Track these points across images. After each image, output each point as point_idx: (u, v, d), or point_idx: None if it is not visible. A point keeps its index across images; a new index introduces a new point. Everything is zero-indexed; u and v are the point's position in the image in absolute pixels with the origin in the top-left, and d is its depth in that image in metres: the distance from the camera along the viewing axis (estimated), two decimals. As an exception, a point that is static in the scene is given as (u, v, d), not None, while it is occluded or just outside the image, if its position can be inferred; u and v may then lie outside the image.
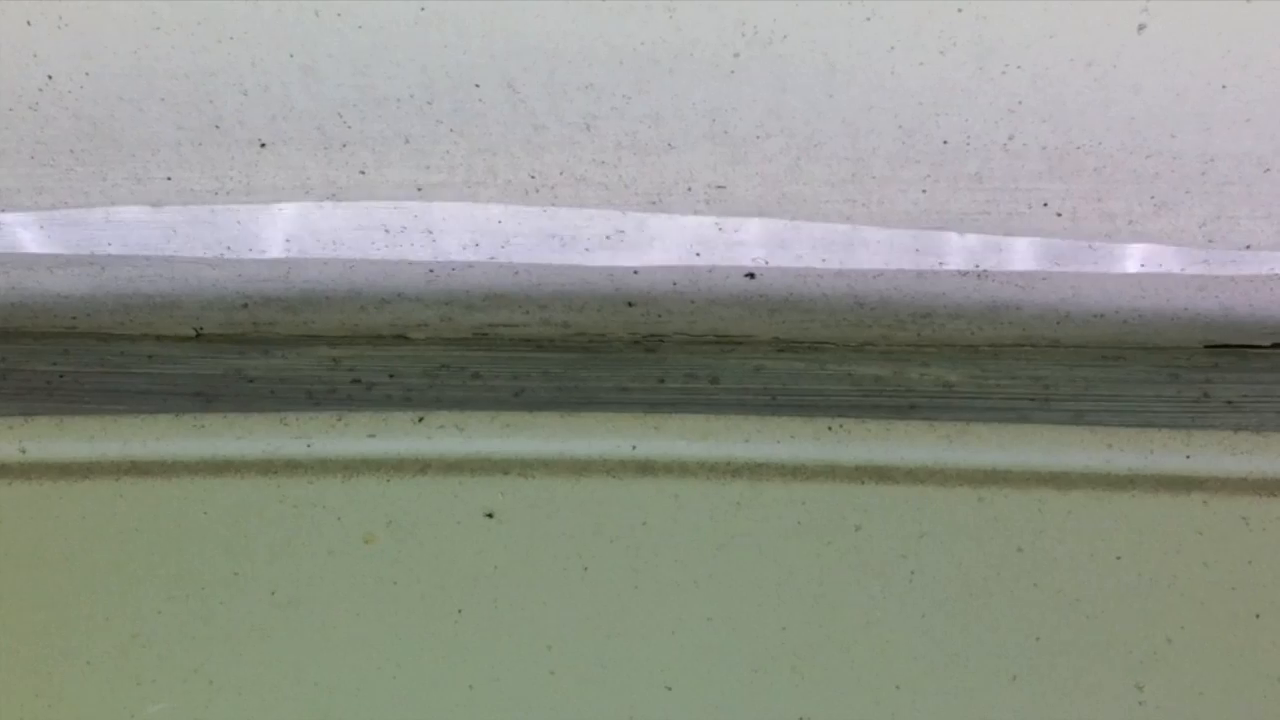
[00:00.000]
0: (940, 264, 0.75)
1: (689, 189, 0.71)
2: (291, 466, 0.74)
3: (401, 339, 0.83)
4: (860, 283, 0.78)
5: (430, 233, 0.75)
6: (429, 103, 0.67)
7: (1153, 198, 0.71)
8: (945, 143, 0.68)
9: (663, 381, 0.81)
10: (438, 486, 0.73)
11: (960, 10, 0.60)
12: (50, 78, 0.65)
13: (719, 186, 0.71)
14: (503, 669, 0.69)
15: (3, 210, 0.74)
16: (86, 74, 0.65)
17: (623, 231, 0.75)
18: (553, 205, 0.73)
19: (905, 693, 0.68)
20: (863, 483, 0.73)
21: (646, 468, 0.73)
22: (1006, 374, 0.81)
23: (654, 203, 0.73)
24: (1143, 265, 0.75)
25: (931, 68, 0.63)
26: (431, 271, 0.78)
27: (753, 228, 0.74)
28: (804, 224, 0.73)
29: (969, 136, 0.67)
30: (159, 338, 0.83)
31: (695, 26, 0.61)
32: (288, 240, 0.76)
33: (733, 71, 0.64)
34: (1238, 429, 0.75)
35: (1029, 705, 0.68)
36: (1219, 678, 0.69)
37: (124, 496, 0.73)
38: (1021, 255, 0.75)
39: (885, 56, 0.62)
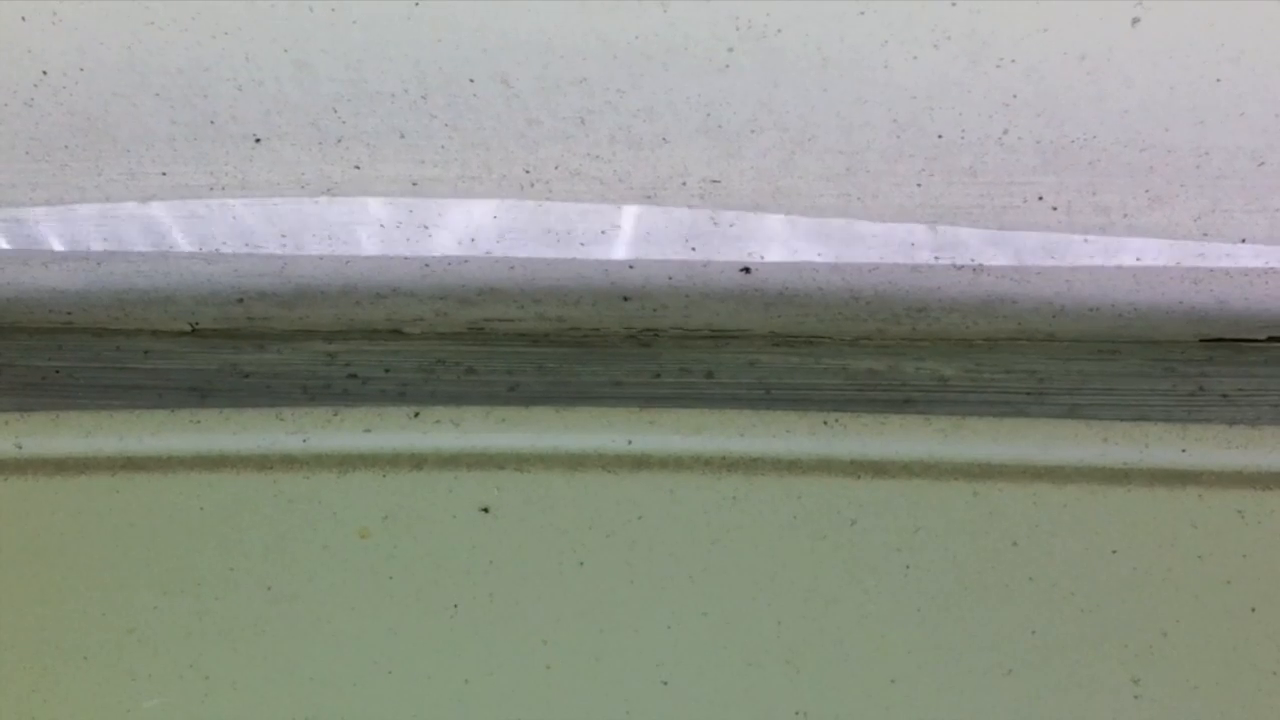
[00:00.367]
0: (935, 258, 0.76)
1: (683, 183, 0.71)
2: (287, 461, 0.74)
3: (397, 334, 0.83)
4: (855, 277, 0.78)
5: (425, 228, 0.75)
6: (423, 98, 0.67)
7: (1147, 191, 0.71)
8: (939, 137, 0.68)
9: (658, 376, 0.81)
10: (433, 481, 0.73)
11: (954, 4, 0.60)
12: (45, 73, 0.65)
13: (713, 181, 0.71)
14: (498, 663, 0.69)
15: (-2, 206, 0.74)
16: (81, 69, 0.65)
17: (617, 226, 0.75)
18: (547, 200, 0.73)
19: (901, 687, 0.69)
20: (858, 477, 0.73)
21: (642, 462, 0.73)
22: (1001, 368, 0.81)
23: (648, 197, 0.73)
24: (1138, 259, 0.75)
25: (925, 62, 0.63)
26: (427, 266, 0.78)
27: (747, 222, 0.74)
28: (799, 218, 0.73)
29: (963, 130, 0.67)
30: (154, 333, 0.83)
31: (689, 21, 0.61)
32: (283, 235, 0.76)
33: (726, 66, 0.64)
34: (1233, 423, 0.74)
35: (1024, 699, 0.68)
36: (1214, 671, 0.69)
37: (120, 492, 0.73)
38: (1016, 249, 0.75)
39: (879, 51, 0.62)
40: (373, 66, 0.65)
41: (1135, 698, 0.68)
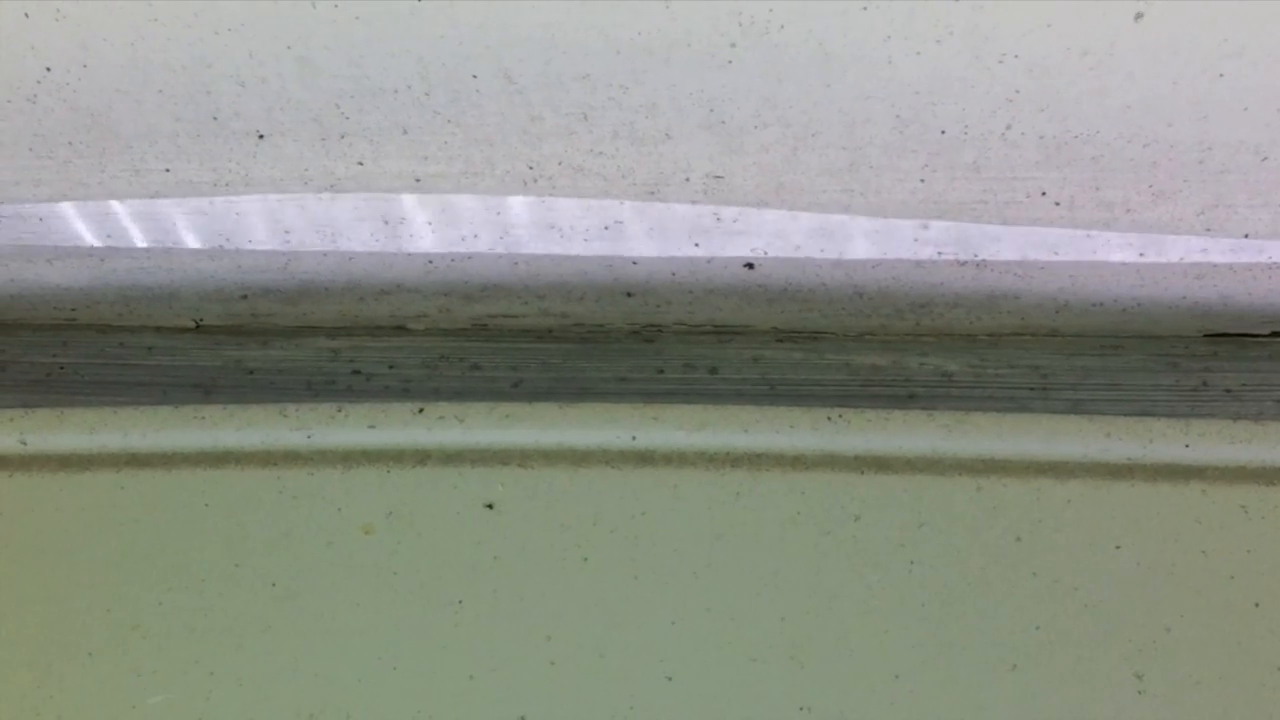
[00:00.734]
0: (938, 253, 0.76)
1: (686, 179, 0.71)
2: (291, 458, 0.74)
3: (401, 330, 0.83)
4: (859, 272, 0.78)
5: (429, 224, 0.75)
6: (426, 94, 0.67)
7: (1150, 186, 0.71)
8: (942, 132, 0.68)
9: (661, 372, 0.81)
10: (437, 477, 0.73)
11: (956, -1, 0.60)
12: (48, 70, 0.65)
13: (716, 176, 0.71)
14: (503, 659, 0.69)
15: (1, 202, 0.74)
16: (84, 66, 0.65)
17: (620, 222, 0.75)
18: (551, 196, 0.73)
19: (904, 682, 0.69)
20: (862, 473, 0.73)
21: (645, 458, 0.73)
22: (1005, 363, 0.81)
23: (652, 193, 0.73)
24: (1141, 254, 0.75)
25: (928, 57, 0.63)
26: (430, 262, 0.78)
27: (750, 218, 0.74)
28: (802, 214, 0.73)
29: (966, 126, 0.67)
30: (158, 329, 0.83)
31: (691, 17, 0.61)
32: (286, 232, 0.76)
33: (729, 61, 0.64)
34: (1236, 418, 0.74)
35: (1028, 695, 0.68)
36: (1218, 667, 0.69)
37: (124, 488, 0.73)
38: (1019, 244, 0.75)
39: (882, 46, 0.62)
40: (375, 63, 0.65)
41: (1139, 693, 0.68)
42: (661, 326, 0.82)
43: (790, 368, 0.81)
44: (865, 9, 0.60)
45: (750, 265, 0.77)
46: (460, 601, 0.70)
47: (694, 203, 0.73)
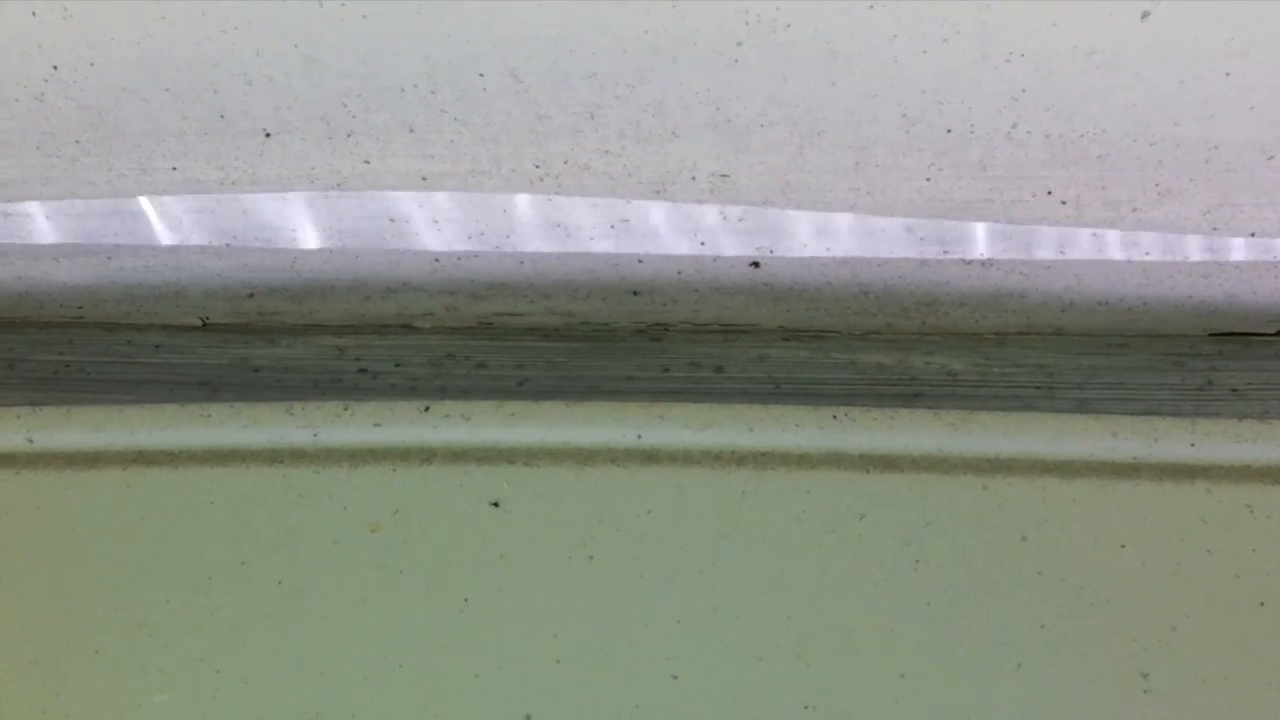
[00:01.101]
0: (944, 252, 0.76)
1: (693, 178, 0.71)
2: (297, 456, 0.74)
3: (407, 328, 0.83)
4: (864, 271, 0.78)
5: (435, 222, 0.75)
6: (432, 92, 0.67)
7: (1156, 185, 0.71)
8: (948, 131, 0.68)
9: (667, 370, 0.81)
10: (443, 475, 0.73)
11: (963, -2, 0.60)
12: (55, 68, 0.66)
13: (723, 175, 0.71)
14: (508, 658, 0.69)
15: (9, 200, 0.74)
16: (91, 64, 0.65)
17: (627, 220, 0.75)
18: (557, 194, 0.73)
19: (910, 681, 0.69)
20: (867, 471, 0.73)
21: (651, 456, 0.73)
22: (1011, 362, 0.81)
23: (658, 191, 0.73)
24: (1146, 253, 0.75)
25: (934, 56, 0.63)
26: (436, 261, 0.78)
27: (756, 216, 0.74)
28: (808, 212, 0.73)
29: (972, 125, 0.67)
30: (165, 327, 0.83)
31: (698, 15, 0.61)
32: (293, 230, 0.76)
33: (736, 60, 0.64)
34: (1242, 416, 0.74)
35: (1034, 693, 0.68)
36: (1223, 665, 0.69)
37: (130, 486, 0.73)
38: (1025, 243, 0.75)
39: (888, 45, 0.63)
40: (382, 61, 0.65)
41: (1144, 692, 0.68)
42: (667, 325, 0.82)
43: (796, 366, 0.81)
44: (871, 8, 0.60)
45: (756, 264, 0.77)
46: (466, 600, 0.70)
47: (700, 201, 0.73)
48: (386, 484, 0.73)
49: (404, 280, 0.80)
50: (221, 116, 0.69)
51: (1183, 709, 0.68)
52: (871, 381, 0.81)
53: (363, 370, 0.82)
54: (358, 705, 0.68)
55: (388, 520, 0.72)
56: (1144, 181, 0.70)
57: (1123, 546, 0.71)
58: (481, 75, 0.65)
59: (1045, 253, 0.75)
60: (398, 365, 0.82)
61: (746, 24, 0.62)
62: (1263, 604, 0.70)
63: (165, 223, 0.76)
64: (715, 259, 0.77)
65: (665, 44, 0.63)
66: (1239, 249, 0.74)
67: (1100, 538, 0.71)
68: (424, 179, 0.72)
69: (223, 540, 0.72)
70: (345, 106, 0.68)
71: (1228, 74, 0.63)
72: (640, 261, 0.77)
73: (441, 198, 0.74)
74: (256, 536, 0.72)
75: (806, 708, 0.68)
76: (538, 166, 0.71)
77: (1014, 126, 0.67)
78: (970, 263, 0.76)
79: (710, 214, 0.74)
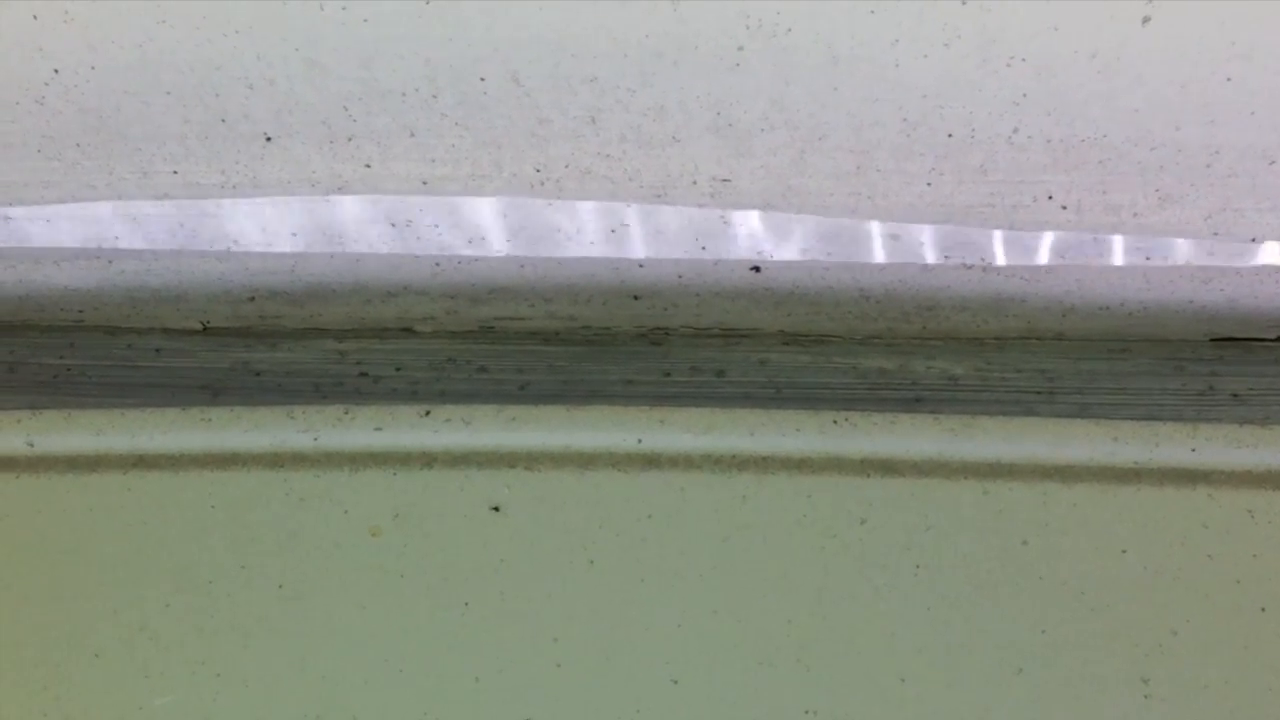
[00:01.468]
0: (945, 257, 0.76)
1: (694, 182, 0.71)
2: (298, 459, 0.74)
3: (408, 332, 0.83)
4: (865, 276, 0.78)
5: (436, 226, 0.75)
6: (434, 96, 0.67)
7: (1157, 190, 0.71)
8: (950, 136, 0.68)
9: (668, 374, 0.81)
10: (444, 480, 0.73)
11: (964, 2, 0.60)
12: (56, 72, 0.66)
13: (724, 179, 0.71)
14: (509, 662, 0.69)
15: (10, 204, 0.75)
16: (92, 68, 0.65)
17: (628, 224, 0.75)
18: (558, 198, 0.73)
19: (911, 686, 0.69)
20: (868, 476, 0.73)
21: (652, 461, 0.73)
22: (1011, 367, 0.81)
23: (659, 196, 0.73)
24: (1147, 258, 0.75)
25: (935, 60, 0.63)
26: (437, 265, 0.78)
27: (758, 220, 0.74)
28: (809, 217, 0.73)
29: (973, 129, 0.67)
30: (166, 331, 0.83)
31: (699, 19, 0.61)
32: (294, 234, 0.76)
33: (737, 64, 0.64)
34: (1243, 422, 0.74)
35: (1034, 698, 0.68)
36: (1224, 671, 0.69)
37: (131, 490, 0.73)
38: (1026, 248, 0.75)
39: (889, 49, 0.63)
40: (383, 65, 0.65)
41: (1145, 697, 0.68)
42: (668, 329, 0.82)
43: (797, 371, 0.81)
44: (873, 12, 0.61)
45: (757, 268, 0.77)
46: (466, 604, 0.70)
47: (701, 205, 0.73)
48: (387, 488, 0.73)
49: (405, 284, 0.80)
50: (222, 120, 0.69)
51: (1183, 714, 0.68)
52: (872, 386, 0.81)
53: (364, 374, 0.82)
54: (358, 709, 0.68)
55: (388, 524, 0.72)
56: (1145, 186, 0.70)
57: (1124, 551, 0.71)
58: (482, 79, 0.66)
59: (1046, 257, 0.75)
60: (399, 369, 0.82)
61: (748, 28, 0.62)
62: (1264, 609, 0.70)
63: (166, 227, 0.76)
64: (716, 263, 0.77)
65: (666, 48, 0.63)
66: (1240, 254, 0.74)
67: (1101, 543, 0.71)
68: (425, 183, 0.72)
69: (223, 544, 0.72)
70: (346, 110, 0.68)
71: (1229, 78, 0.63)
72: (641, 266, 0.77)
73: (442, 202, 0.74)
74: (257, 540, 0.72)
75: (807, 712, 0.68)
76: (539, 170, 0.71)
77: (1015, 131, 0.67)
78: (971, 267, 0.76)
79: (711, 218, 0.74)
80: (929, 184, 0.71)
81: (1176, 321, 0.80)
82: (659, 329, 0.82)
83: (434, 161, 0.71)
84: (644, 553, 0.71)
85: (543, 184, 0.72)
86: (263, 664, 0.69)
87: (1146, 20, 0.60)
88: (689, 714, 0.68)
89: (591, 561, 0.71)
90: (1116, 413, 0.79)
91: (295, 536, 0.72)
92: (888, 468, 0.73)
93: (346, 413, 0.74)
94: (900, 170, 0.70)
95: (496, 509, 0.72)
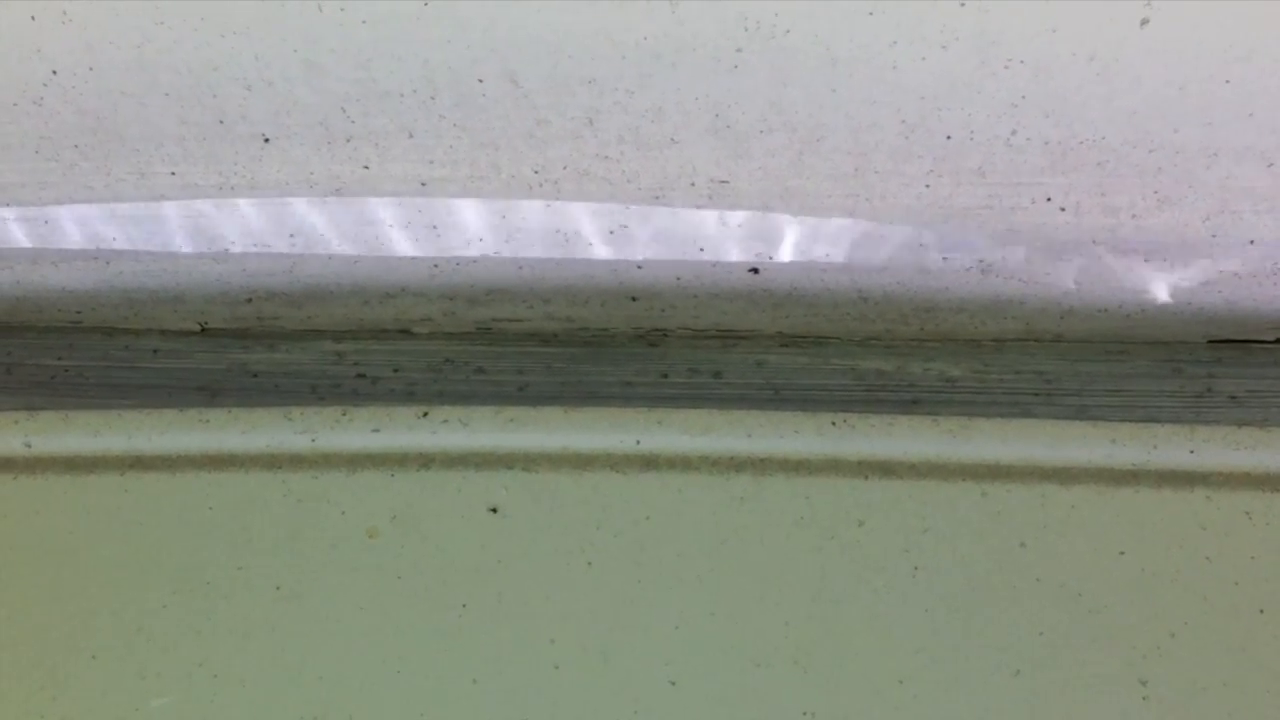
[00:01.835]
0: (943, 259, 0.76)
1: (692, 183, 0.71)
2: (295, 461, 0.74)
3: (405, 334, 0.83)
4: (863, 277, 0.78)
5: (434, 227, 0.75)
6: (432, 98, 0.67)
7: (1156, 192, 0.71)
8: (948, 137, 0.68)
9: (666, 376, 0.81)
10: (441, 481, 0.73)
11: (962, 4, 0.60)
12: (54, 73, 0.66)
13: (722, 181, 0.71)
14: (506, 663, 0.69)
15: (7, 205, 0.75)
16: (90, 69, 0.65)
17: (626, 226, 0.75)
18: (556, 200, 0.73)
19: (908, 688, 0.68)
20: (866, 478, 0.73)
21: (650, 462, 0.73)
22: (1009, 369, 0.81)
23: (657, 197, 0.73)
24: (1146, 260, 0.75)
25: (933, 62, 0.63)
26: (435, 266, 0.78)
27: (756, 222, 0.74)
28: (807, 218, 0.73)
29: (971, 131, 0.67)
30: (163, 332, 0.83)
31: (698, 21, 0.61)
32: (292, 235, 0.76)
33: (735, 66, 0.64)
34: (1241, 424, 0.74)
35: (1032, 700, 0.68)
36: (1222, 673, 0.69)
37: (128, 491, 0.73)
38: (1024, 250, 0.75)
39: (887, 51, 0.63)
40: (382, 66, 0.65)
41: (1143, 699, 0.68)
42: (666, 331, 0.82)
43: (795, 372, 0.81)
44: (871, 14, 0.61)
45: (755, 270, 0.77)
46: (464, 605, 0.70)
47: (699, 207, 0.73)
48: (385, 489, 0.73)
49: (402, 285, 0.80)
50: (220, 121, 0.69)
51: (1182, 715, 0.68)
52: (870, 387, 0.81)
53: (361, 375, 0.81)
54: (355, 710, 0.68)
55: (386, 525, 0.72)
56: (1143, 188, 0.70)
57: (1121, 553, 0.71)
58: (481, 80, 0.65)
59: (1044, 259, 0.75)
60: (396, 370, 0.82)
61: (746, 29, 0.62)
62: (1262, 611, 0.70)
63: (164, 228, 0.76)
64: (714, 264, 0.77)
65: (665, 49, 0.63)
66: (1238, 256, 0.75)
67: (1099, 544, 0.71)
68: (423, 184, 0.72)
69: (221, 545, 0.72)
70: (344, 111, 0.68)
71: (1228, 81, 0.63)
72: (639, 267, 0.77)
73: (440, 203, 0.74)
74: (255, 541, 0.72)
75: (805, 714, 0.68)
76: (537, 172, 0.71)
77: (1013, 133, 0.67)
78: (969, 269, 0.76)
79: (709, 220, 0.74)
80: (927, 186, 0.71)
81: (1175, 323, 0.80)
82: (657, 330, 0.82)
83: (432, 163, 0.71)
84: (642, 554, 0.71)
85: (541, 185, 0.72)
86: (260, 665, 0.69)
87: (1145, 22, 0.60)
88: (687, 715, 0.68)
89: (589, 563, 0.71)
90: (1115, 414, 0.79)
91: (293, 537, 0.72)
92: (886, 469, 0.73)
93: (344, 414, 0.74)
94: (898, 172, 0.70)
95: (494, 510, 0.72)
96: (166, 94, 0.67)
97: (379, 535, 0.72)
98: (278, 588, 0.71)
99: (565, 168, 0.71)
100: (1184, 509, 0.72)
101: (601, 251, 0.76)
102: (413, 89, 0.66)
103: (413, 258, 0.77)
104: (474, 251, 0.76)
